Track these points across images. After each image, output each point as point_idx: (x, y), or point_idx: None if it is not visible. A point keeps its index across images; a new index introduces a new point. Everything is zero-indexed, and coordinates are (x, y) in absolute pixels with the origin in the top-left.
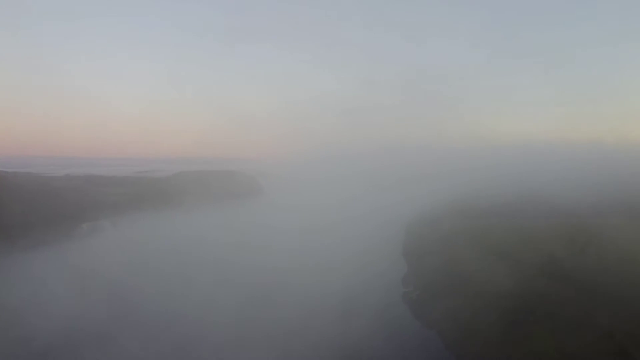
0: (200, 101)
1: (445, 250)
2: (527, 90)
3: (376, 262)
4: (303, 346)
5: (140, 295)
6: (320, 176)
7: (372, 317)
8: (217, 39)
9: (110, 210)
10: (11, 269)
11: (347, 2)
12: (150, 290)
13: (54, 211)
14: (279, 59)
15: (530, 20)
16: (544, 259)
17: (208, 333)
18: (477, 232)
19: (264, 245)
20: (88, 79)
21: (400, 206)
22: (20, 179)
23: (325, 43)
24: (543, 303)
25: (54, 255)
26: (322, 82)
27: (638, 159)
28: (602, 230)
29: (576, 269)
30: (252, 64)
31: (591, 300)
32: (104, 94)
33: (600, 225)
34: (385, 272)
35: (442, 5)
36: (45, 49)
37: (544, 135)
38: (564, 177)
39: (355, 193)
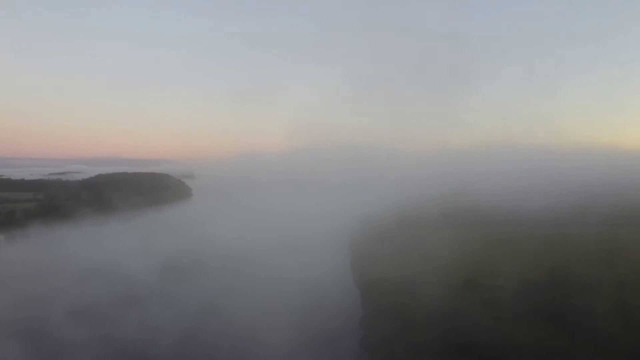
0: (124, 97)
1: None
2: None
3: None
4: None
5: None
6: (260, 178)
7: None
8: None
9: (8, 222)
10: None
11: None
12: None
13: None
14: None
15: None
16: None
17: None
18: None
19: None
20: None
21: (347, 211)
22: None
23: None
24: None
25: None
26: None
27: (584, 162)
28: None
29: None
30: (179, 59)
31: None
32: (19, 85)
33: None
34: None
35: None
36: None
37: (498, 139)
38: (510, 182)
39: (294, 197)
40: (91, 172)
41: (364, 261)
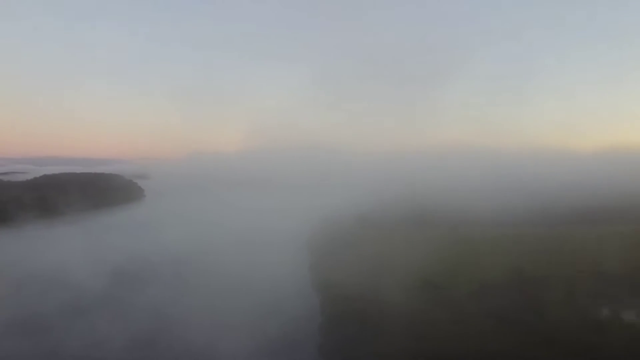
0: (74, 94)
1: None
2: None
3: None
4: None
5: None
6: (216, 178)
7: None
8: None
9: None
10: None
11: None
12: None
13: None
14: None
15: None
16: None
17: None
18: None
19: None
20: None
21: (306, 211)
22: None
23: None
24: None
25: None
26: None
27: (542, 164)
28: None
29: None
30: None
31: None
32: None
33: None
34: None
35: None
36: None
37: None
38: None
39: (251, 198)
40: (36, 172)
41: (324, 264)
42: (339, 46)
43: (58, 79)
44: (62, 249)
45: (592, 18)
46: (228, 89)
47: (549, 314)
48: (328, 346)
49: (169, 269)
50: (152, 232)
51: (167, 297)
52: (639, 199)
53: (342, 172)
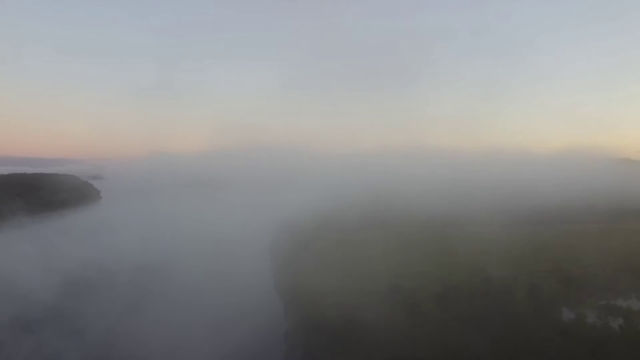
0: (26, 92)
1: None
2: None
3: None
4: None
5: None
6: (175, 179)
7: None
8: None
9: None
10: None
11: None
12: None
13: None
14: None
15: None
16: None
17: None
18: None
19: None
20: None
21: (267, 213)
22: None
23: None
24: None
25: None
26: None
27: (498, 165)
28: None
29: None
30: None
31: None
32: None
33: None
34: None
35: None
36: None
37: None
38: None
39: (212, 199)
40: None
41: (287, 269)
42: (304, 47)
43: (6, 75)
44: (8, 256)
45: (554, 22)
46: (190, 88)
47: (513, 316)
48: (293, 356)
49: (125, 277)
50: (108, 237)
51: (122, 309)
52: (593, 198)
53: (306, 173)
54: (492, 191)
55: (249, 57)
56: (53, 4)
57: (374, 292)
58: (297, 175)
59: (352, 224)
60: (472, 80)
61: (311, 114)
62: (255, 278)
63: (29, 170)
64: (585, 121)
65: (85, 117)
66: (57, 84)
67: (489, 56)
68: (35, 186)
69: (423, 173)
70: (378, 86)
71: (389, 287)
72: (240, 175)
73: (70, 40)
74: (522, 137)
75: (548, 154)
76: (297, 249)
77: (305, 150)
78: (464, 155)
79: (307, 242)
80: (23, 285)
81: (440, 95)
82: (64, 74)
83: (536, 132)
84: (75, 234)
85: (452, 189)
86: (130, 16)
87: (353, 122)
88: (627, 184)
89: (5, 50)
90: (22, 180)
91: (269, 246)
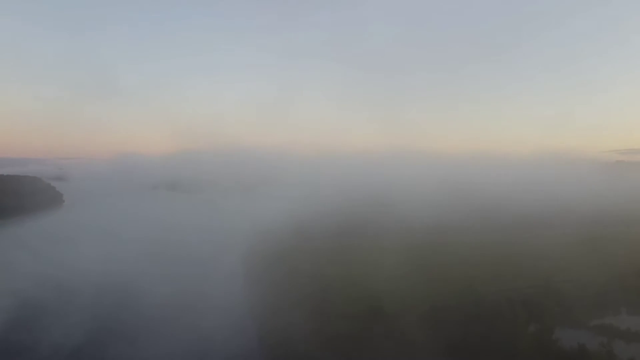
0: None
1: None
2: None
3: None
4: None
5: None
6: (141, 181)
7: None
8: None
9: None
10: None
11: None
12: None
13: None
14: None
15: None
16: None
17: None
18: None
19: None
20: None
21: (236, 220)
22: None
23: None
24: None
25: None
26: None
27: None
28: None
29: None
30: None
31: None
32: None
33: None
34: None
35: None
36: None
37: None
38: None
39: (179, 204)
40: None
41: (260, 289)
42: (272, 42)
43: None
44: None
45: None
46: (155, 88)
47: (503, 341)
48: None
49: (84, 300)
50: (69, 249)
51: (79, 339)
52: (572, 203)
53: (278, 177)
54: (477, 196)
55: (221, 56)
56: None
57: (352, 316)
58: (273, 178)
59: (327, 233)
60: (459, 82)
61: (289, 115)
62: (225, 299)
63: None
64: (573, 124)
65: (48, 115)
66: (16, 77)
67: (477, 58)
68: None
69: (407, 177)
70: (362, 88)
71: (369, 310)
72: (211, 178)
73: (28, 31)
74: (508, 140)
75: (531, 157)
76: (269, 262)
77: (276, 152)
78: (449, 159)
79: (279, 253)
80: None
81: (425, 98)
82: (21, 66)
83: (521, 135)
84: (32, 246)
85: (436, 193)
86: (96, 11)
87: (328, 123)
88: (614, 187)
89: None
90: None
91: (238, 259)
